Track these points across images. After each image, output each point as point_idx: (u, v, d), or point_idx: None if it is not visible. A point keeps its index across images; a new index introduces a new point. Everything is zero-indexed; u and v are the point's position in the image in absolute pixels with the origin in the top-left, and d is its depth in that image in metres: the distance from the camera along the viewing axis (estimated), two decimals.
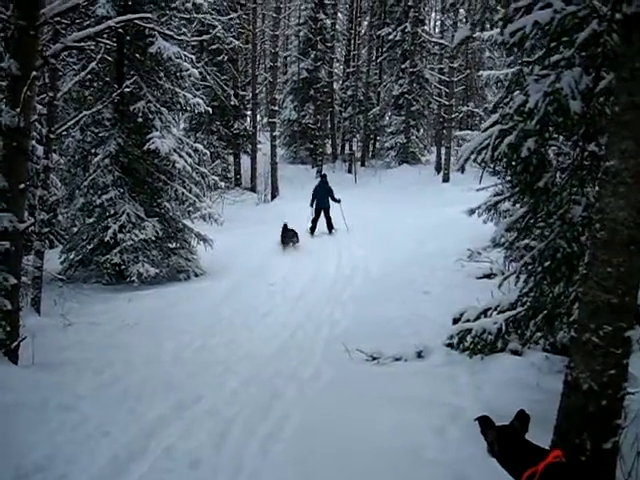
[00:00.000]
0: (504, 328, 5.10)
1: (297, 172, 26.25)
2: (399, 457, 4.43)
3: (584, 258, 4.11)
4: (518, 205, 4.91)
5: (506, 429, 3.20)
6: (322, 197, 16.50)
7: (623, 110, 3.19)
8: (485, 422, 3.27)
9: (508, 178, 5.18)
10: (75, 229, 12.77)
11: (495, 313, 5.36)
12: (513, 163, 4.33)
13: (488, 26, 3.93)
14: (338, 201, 16.73)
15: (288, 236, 14.93)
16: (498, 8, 3.85)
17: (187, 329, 8.49)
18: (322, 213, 16.58)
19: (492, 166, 4.61)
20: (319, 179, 17.82)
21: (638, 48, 3.08)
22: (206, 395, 6.01)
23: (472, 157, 4.44)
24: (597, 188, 3.69)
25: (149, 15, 9.00)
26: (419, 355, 6.46)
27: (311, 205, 16.63)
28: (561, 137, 4.65)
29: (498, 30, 5.16)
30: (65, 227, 13.64)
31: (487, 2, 3.61)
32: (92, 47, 10.05)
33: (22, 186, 6.58)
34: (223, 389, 6.19)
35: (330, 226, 16.64)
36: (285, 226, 15.08)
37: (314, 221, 16.58)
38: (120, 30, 10.34)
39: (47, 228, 11.15)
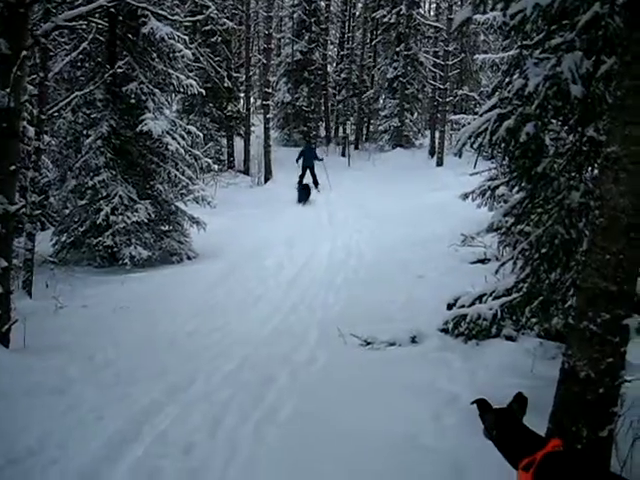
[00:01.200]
0: (499, 314, 5.08)
1: (291, 154, 26.09)
2: (394, 443, 4.42)
3: (582, 245, 4.09)
4: (515, 190, 4.86)
5: (504, 412, 3.19)
6: (308, 157, 19.36)
7: (625, 94, 3.14)
8: (482, 405, 3.26)
9: (505, 163, 5.14)
10: (67, 211, 12.67)
11: (490, 299, 5.33)
12: (511, 148, 4.28)
13: (489, 8, 3.85)
14: (321, 159, 19.71)
15: (303, 192, 18.36)
16: None
17: (180, 312, 8.45)
18: (307, 171, 19.27)
19: (489, 151, 4.55)
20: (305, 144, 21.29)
21: None
22: (200, 379, 5.98)
23: (469, 141, 4.39)
24: (596, 174, 3.65)
25: None
26: (413, 340, 6.44)
27: (297, 161, 19.50)
28: (559, 122, 4.60)
29: (496, 13, 5.12)
30: (57, 209, 13.52)
31: None
32: (84, 27, 9.92)
33: (13, 168, 6.49)
34: (217, 373, 6.15)
35: (315, 182, 19.51)
36: (300, 182, 18.79)
37: (301, 177, 19.14)
38: (112, 10, 10.20)
39: (39, 210, 11.04)
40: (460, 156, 4.40)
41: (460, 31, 20.83)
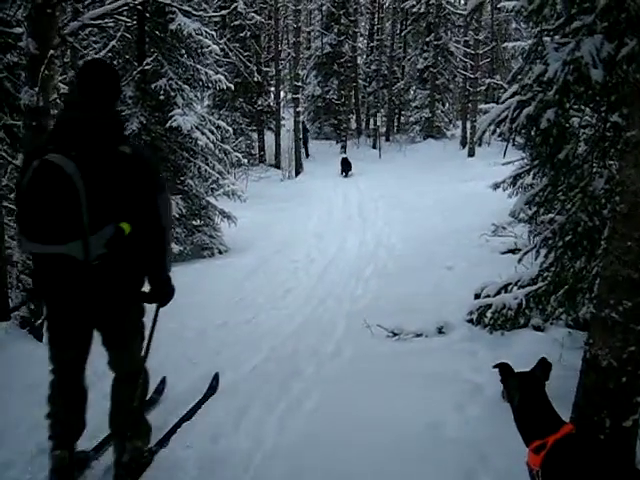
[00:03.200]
0: (524, 303, 5.03)
1: (321, 148, 26.16)
2: (419, 434, 4.40)
3: (605, 232, 4.02)
4: (538, 178, 4.81)
5: (528, 376, 3.19)
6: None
7: None
8: (505, 369, 3.26)
9: (528, 151, 5.08)
10: None
11: (515, 288, 5.28)
12: (532, 135, 4.23)
13: None
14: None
15: (346, 167, 21.81)
16: None
17: (210, 306, 8.53)
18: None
19: (512, 138, 4.51)
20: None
21: None
22: (227, 372, 6.02)
23: (490, 129, 4.35)
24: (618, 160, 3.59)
25: None
26: (440, 331, 6.41)
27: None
28: (587, 108, 4.53)
29: None
30: None
31: None
32: (111, 25, 10.03)
33: None
34: (244, 366, 6.20)
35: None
36: (344, 159, 22.23)
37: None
38: (139, 7, 10.30)
39: None
40: (480, 144, 4.39)
41: (477, 17, 20.67)
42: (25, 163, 3.25)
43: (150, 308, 3.82)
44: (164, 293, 3.66)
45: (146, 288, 3.64)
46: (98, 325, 3.62)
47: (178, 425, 4.55)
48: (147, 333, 3.88)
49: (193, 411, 4.87)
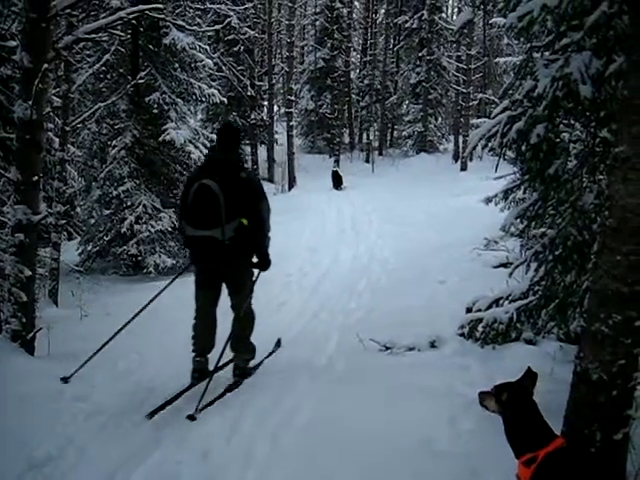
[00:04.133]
0: (515, 317, 5.04)
1: (315, 162, 26.23)
2: (411, 448, 4.40)
3: (595, 246, 4.05)
4: (528, 192, 4.84)
5: (517, 387, 3.21)
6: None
7: (633, 94, 3.11)
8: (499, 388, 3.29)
9: (518, 165, 5.12)
10: (92, 221, 12.89)
11: (507, 302, 5.30)
12: (522, 149, 4.27)
13: (492, 11, 3.86)
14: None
15: (337, 181, 21.61)
16: None
17: None
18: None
19: (502, 153, 4.54)
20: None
21: None
22: (218, 387, 6.00)
23: (481, 144, 4.39)
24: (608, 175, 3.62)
25: (160, 5, 8.97)
26: (432, 345, 6.42)
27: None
28: (577, 123, 4.57)
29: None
30: (82, 219, 13.75)
31: None
32: (105, 39, 10.09)
33: (36, 178, 6.61)
34: None
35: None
36: (335, 172, 22.08)
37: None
38: (133, 21, 10.36)
39: (64, 220, 11.24)
40: (471, 158, 4.42)
41: (468, 34, 20.91)
42: (188, 184, 5.43)
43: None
44: (264, 263, 5.74)
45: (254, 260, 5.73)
46: (225, 279, 5.72)
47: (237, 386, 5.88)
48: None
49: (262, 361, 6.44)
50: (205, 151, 12.34)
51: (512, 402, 3.16)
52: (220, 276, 5.70)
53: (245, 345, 6.00)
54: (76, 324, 8.41)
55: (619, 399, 3.37)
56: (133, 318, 6.21)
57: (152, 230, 11.69)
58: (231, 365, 6.06)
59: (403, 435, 4.56)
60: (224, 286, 5.82)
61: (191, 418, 5.02)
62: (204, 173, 5.28)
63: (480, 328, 5.42)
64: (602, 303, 3.33)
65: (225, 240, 5.18)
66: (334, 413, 5.10)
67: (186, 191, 5.40)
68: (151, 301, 6.41)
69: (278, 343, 7.01)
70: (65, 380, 5.89)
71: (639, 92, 3.10)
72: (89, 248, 12.38)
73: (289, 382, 5.93)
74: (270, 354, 6.65)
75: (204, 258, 5.52)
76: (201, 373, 5.76)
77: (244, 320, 5.87)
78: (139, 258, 12.06)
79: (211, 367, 5.77)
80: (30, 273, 6.59)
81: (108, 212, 12.27)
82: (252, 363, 6.16)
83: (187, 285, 10.91)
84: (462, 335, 6.09)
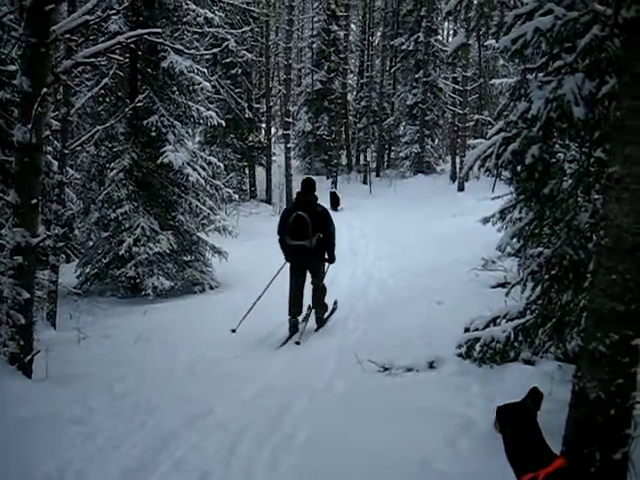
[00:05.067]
0: (513, 336, 5.05)
1: None
2: (410, 469, 4.39)
3: (591, 265, 4.07)
4: (531, 213, 4.87)
5: (520, 408, 3.19)
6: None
7: (625, 115, 3.16)
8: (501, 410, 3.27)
9: (514, 186, 5.16)
10: (91, 243, 12.89)
11: (504, 321, 5.31)
12: (518, 170, 4.31)
13: (486, 34, 3.92)
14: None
15: (334, 202, 22.07)
16: (494, 17, 3.85)
17: (201, 341, 8.51)
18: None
19: (498, 173, 4.58)
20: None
21: (639, 52, 3.05)
22: (218, 408, 6.00)
23: (476, 165, 4.43)
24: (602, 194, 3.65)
25: (158, 30, 9.08)
26: (431, 365, 6.41)
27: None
28: (572, 144, 4.62)
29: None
30: (81, 241, 13.75)
31: (482, 10, 3.60)
32: (104, 63, 10.17)
33: (34, 201, 6.64)
34: (235, 402, 6.17)
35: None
36: (332, 193, 22.69)
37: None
38: (132, 45, 10.45)
39: (62, 242, 11.24)
40: (467, 179, 4.47)
41: (464, 57, 21.15)
42: (287, 213, 8.53)
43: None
44: (332, 259, 8.77)
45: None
46: (310, 269, 8.62)
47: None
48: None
49: (329, 316, 9.30)
50: (203, 173, 12.43)
51: (513, 422, 3.15)
52: (307, 267, 8.68)
53: (322, 305, 8.96)
54: (74, 347, 8.40)
55: (618, 418, 3.37)
56: (266, 288, 9.25)
57: (150, 252, 11.68)
58: (313, 317, 9.00)
59: (403, 455, 4.55)
60: (308, 274, 8.74)
61: (297, 343, 8.23)
62: (297, 208, 8.49)
63: (478, 347, 5.41)
64: (599, 322, 3.34)
65: (311, 247, 8.36)
66: (333, 434, 5.09)
67: (286, 217, 8.53)
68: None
69: (335, 303, 9.61)
70: (233, 330, 8.68)
71: (631, 113, 3.14)
72: (87, 270, 12.36)
73: (288, 403, 5.93)
74: (333, 311, 9.39)
75: (298, 257, 8.55)
76: (295, 327, 8.67)
77: (321, 291, 8.89)
78: (137, 280, 12.05)
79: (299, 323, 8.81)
80: (28, 296, 6.60)
81: (106, 234, 12.28)
82: (325, 315, 9.13)
83: (183, 307, 10.99)
84: (460, 355, 6.07)
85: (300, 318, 8.76)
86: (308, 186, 8.60)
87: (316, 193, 8.72)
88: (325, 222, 8.44)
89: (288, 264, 8.76)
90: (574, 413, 3.55)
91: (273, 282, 9.15)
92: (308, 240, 8.25)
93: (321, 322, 8.94)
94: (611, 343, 3.29)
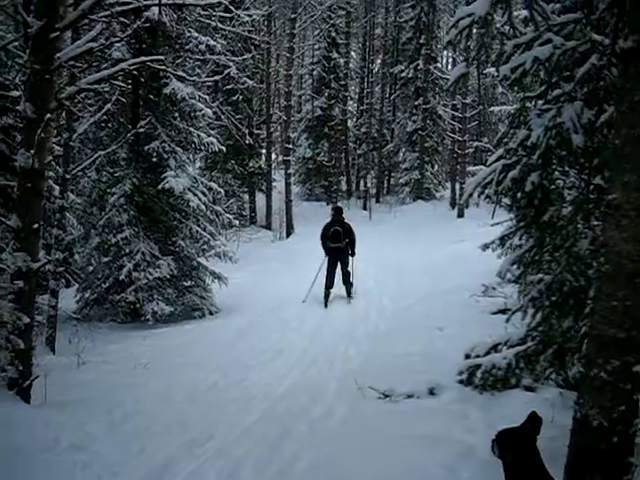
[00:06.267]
0: (514, 363, 5.04)
1: (312, 209, 26.35)
2: None
3: (591, 292, 4.08)
4: (524, 239, 4.89)
5: (519, 433, 3.17)
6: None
7: (624, 143, 3.19)
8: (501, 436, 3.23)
9: (514, 212, 5.18)
10: (91, 268, 12.86)
11: (505, 348, 5.30)
12: (518, 197, 4.33)
13: (486, 63, 3.97)
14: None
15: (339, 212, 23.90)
16: (494, 46, 3.90)
17: (201, 367, 8.48)
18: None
19: (498, 200, 4.61)
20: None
21: (636, 81, 3.10)
22: (217, 434, 5.98)
23: (477, 192, 4.45)
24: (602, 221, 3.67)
25: (161, 57, 9.16)
26: (431, 392, 6.38)
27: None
28: (571, 171, 4.65)
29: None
30: (81, 266, 13.72)
31: (482, 39, 3.66)
32: (107, 89, 10.26)
33: (36, 226, 6.65)
34: (234, 428, 6.14)
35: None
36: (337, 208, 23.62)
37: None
38: (135, 72, 10.55)
39: (62, 267, 11.24)
40: (467, 206, 4.48)
41: (463, 86, 21.38)
42: (327, 227, 13.09)
43: None
44: (354, 254, 13.09)
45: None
46: (341, 262, 12.85)
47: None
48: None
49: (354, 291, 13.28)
50: (203, 198, 12.46)
51: (512, 448, 3.13)
52: (339, 260, 12.85)
53: (349, 283, 12.98)
54: (73, 371, 8.36)
55: (621, 446, 3.35)
56: (318, 272, 12.99)
57: (150, 277, 11.67)
58: (344, 291, 12.98)
59: None
60: (339, 265, 12.88)
61: (325, 305, 12.55)
62: (333, 224, 13.02)
63: (479, 374, 5.39)
64: (600, 349, 3.34)
65: (342, 247, 12.75)
66: (334, 460, 5.06)
67: (327, 229, 13.01)
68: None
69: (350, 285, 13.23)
70: (303, 301, 12.67)
71: (630, 141, 3.17)
72: (87, 295, 12.32)
73: (288, 430, 5.90)
74: (349, 291, 13.05)
75: (334, 254, 12.82)
76: (328, 298, 12.63)
77: (347, 274, 12.94)
78: (137, 305, 12.03)
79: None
80: (28, 320, 6.58)
81: (106, 259, 12.27)
82: (352, 290, 13.00)
83: (183, 333, 10.96)
84: (461, 382, 6.06)
85: (331, 291, 12.76)
86: (339, 210, 13.84)
87: (316, 222, 13.43)
88: (350, 233, 13.05)
89: (326, 259, 12.96)
90: (576, 440, 3.53)
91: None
92: (341, 243, 12.79)
93: (349, 294, 12.99)
94: (612, 370, 3.29)
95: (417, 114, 27.46)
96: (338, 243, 12.75)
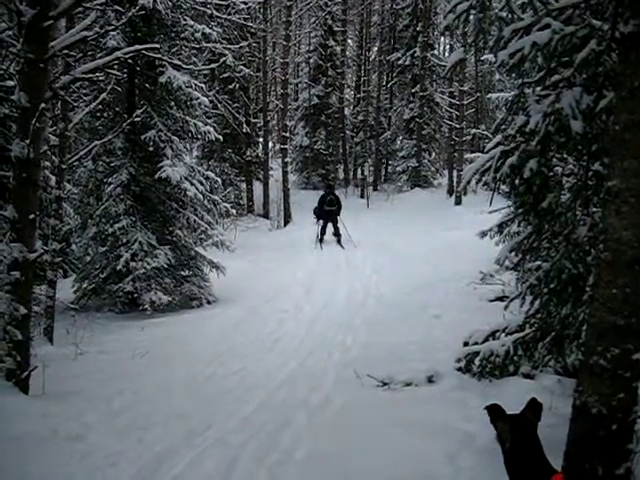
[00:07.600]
0: (512, 350, 5.03)
1: (309, 197, 26.26)
2: None
3: (590, 279, 4.06)
4: (529, 227, 4.86)
5: (518, 419, 3.14)
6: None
7: (623, 129, 3.16)
8: (495, 411, 3.21)
9: (512, 199, 5.16)
10: (88, 258, 12.82)
11: (503, 335, 5.29)
12: (516, 184, 4.31)
13: (484, 49, 3.93)
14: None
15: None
16: (492, 31, 3.86)
17: (199, 357, 8.47)
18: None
19: (496, 187, 4.58)
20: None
21: (636, 67, 3.07)
22: (216, 424, 5.97)
23: (475, 179, 4.43)
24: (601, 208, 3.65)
25: (156, 45, 9.09)
26: (430, 380, 6.38)
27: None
28: (570, 157, 4.62)
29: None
30: (78, 256, 13.69)
31: (480, 25, 3.61)
32: (102, 78, 10.18)
33: (32, 216, 6.62)
34: (233, 417, 6.14)
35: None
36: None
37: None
38: (130, 61, 10.48)
39: (60, 257, 11.21)
40: (465, 193, 4.44)
41: (459, 72, 21.33)
42: (324, 195, 18.89)
43: None
44: (339, 214, 18.52)
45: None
46: (333, 220, 18.25)
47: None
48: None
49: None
50: (200, 188, 12.42)
51: (513, 434, 3.11)
52: (332, 220, 18.04)
53: (340, 234, 17.78)
54: (71, 362, 8.36)
55: (620, 433, 3.35)
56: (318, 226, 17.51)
57: (148, 267, 11.64)
58: (335, 239, 17.81)
59: (402, 471, 4.52)
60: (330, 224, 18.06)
61: (319, 247, 17.83)
62: (328, 195, 18.62)
63: (477, 361, 5.39)
64: (599, 336, 3.33)
65: (335, 210, 18.18)
66: (333, 449, 5.06)
67: (324, 198, 18.58)
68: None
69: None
70: (315, 247, 17.80)
71: (629, 127, 3.15)
72: (84, 285, 12.30)
73: (287, 419, 5.90)
74: (339, 240, 17.90)
75: (328, 215, 18.06)
76: (321, 241, 17.89)
77: (338, 229, 17.88)
78: (135, 295, 12.01)
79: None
80: (25, 311, 6.56)
81: (104, 249, 12.23)
82: (341, 239, 17.66)
83: (181, 322, 10.95)
84: (459, 369, 6.06)
85: (324, 238, 18.01)
86: (330, 187, 19.99)
87: (315, 203, 19.09)
88: (339, 201, 18.75)
89: (321, 222, 18.15)
90: (575, 428, 3.52)
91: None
92: (334, 207, 18.11)
93: (339, 242, 17.75)
94: (612, 357, 3.28)
95: (414, 102, 27.35)
96: (332, 207, 18.24)
